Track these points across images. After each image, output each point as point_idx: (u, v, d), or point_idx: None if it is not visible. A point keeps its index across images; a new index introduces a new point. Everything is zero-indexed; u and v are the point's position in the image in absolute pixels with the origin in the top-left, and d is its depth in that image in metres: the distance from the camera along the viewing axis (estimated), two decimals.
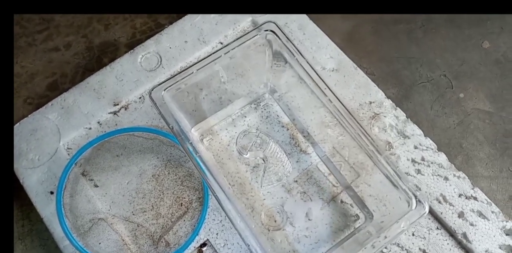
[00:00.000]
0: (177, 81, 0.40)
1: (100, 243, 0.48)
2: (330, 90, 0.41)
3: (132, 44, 0.60)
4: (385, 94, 0.54)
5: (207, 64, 0.41)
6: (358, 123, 0.40)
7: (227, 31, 0.57)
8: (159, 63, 0.56)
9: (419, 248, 0.48)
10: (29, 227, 0.52)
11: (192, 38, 0.57)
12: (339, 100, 0.41)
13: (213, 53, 0.41)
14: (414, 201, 0.38)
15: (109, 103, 0.54)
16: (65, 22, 0.62)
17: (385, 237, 0.38)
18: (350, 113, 0.41)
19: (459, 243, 0.48)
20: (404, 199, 0.39)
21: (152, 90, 0.40)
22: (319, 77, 0.41)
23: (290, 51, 0.42)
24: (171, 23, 0.59)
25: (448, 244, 0.48)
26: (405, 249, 0.48)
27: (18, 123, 0.53)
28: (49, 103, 0.54)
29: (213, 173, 0.39)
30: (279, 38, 0.42)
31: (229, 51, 0.41)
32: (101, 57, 0.60)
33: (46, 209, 0.49)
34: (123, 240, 0.49)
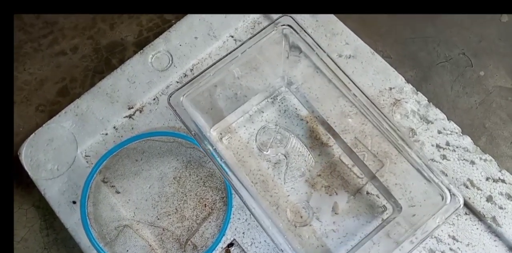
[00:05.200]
0: (194, 86, 0.39)
1: (127, 251, 0.48)
2: (349, 78, 0.40)
3: (140, 43, 0.58)
4: (404, 77, 0.52)
5: (223, 66, 0.40)
6: (379, 110, 0.39)
7: (237, 24, 0.55)
8: (170, 62, 0.54)
9: (448, 235, 0.47)
10: (53, 236, 0.52)
11: (202, 33, 0.55)
12: (358, 87, 0.40)
13: (229, 53, 0.40)
14: (448, 195, 0.37)
15: (123, 107, 0.53)
16: (68, 24, 0.60)
17: (422, 233, 0.37)
18: (371, 101, 0.40)
19: (489, 227, 0.47)
20: (436, 192, 0.38)
21: (170, 96, 0.39)
22: (337, 65, 0.40)
23: (308, 44, 0.40)
24: (178, 18, 0.57)
25: (477, 229, 0.48)
26: (434, 237, 0.47)
27: (33, 134, 0.52)
28: (63, 111, 0.53)
29: (235, 173, 0.39)
30: (297, 33, 0.40)
31: (245, 50, 0.40)
32: (109, 58, 0.59)
33: (70, 219, 0.49)
34: (150, 246, 0.49)
